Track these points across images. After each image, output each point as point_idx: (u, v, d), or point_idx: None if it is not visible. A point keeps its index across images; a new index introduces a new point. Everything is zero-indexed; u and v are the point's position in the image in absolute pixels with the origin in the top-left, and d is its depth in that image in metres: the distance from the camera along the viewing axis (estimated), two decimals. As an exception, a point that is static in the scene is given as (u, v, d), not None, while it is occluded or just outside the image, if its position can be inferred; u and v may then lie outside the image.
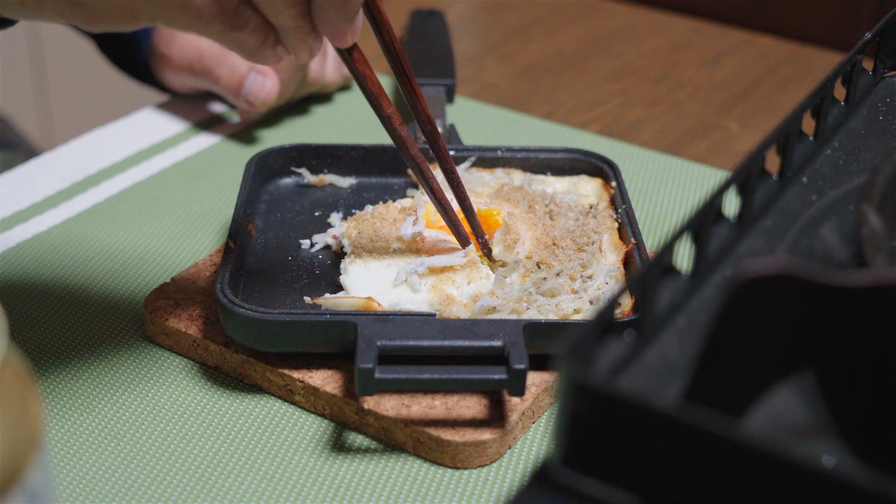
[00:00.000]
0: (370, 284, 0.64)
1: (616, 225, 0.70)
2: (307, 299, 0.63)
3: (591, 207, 0.72)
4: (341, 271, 0.65)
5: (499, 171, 0.76)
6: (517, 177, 0.75)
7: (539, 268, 0.65)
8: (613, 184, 0.73)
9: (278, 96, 0.85)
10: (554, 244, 0.67)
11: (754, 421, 0.38)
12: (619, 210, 0.70)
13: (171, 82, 0.90)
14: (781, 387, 0.39)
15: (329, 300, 0.62)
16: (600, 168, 0.75)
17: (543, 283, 0.63)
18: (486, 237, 0.66)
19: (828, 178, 0.52)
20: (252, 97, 0.84)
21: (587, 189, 0.74)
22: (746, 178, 0.46)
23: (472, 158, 0.76)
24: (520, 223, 0.67)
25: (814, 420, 0.39)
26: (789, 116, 0.49)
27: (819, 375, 0.39)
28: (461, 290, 0.63)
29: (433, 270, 0.64)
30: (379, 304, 0.61)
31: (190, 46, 0.86)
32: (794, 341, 0.39)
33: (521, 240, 0.66)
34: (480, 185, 0.74)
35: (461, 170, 0.75)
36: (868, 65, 0.59)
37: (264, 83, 0.84)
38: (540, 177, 0.76)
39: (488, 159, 0.76)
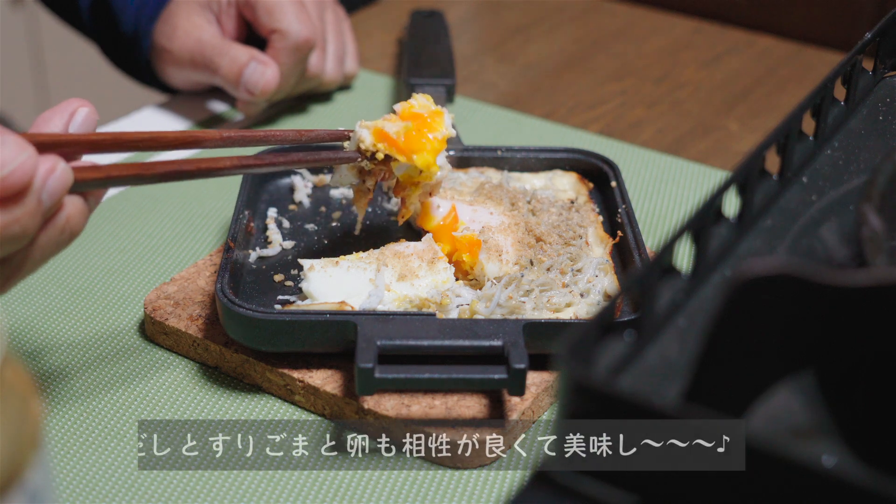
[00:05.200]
0: (334, 290, 0.62)
1: (600, 218, 0.70)
2: (278, 307, 0.62)
3: (571, 202, 0.72)
4: (302, 278, 0.63)
5: (473, 171, 0.76)
6: (492, 175, 0.75)
7: (532, 264, 0.65)
8: (591, 185, 0.73)
9: (278, 88, 0.85)
10: (539, 240, 0.66)
11: (754, 421, 0.38)
12: (620, 210, 0.70)
13: (172, 78, 0.90)
14: (781, 387, 0.39)
15: (301, 308, 0.61)
16: (600, 168, 0.75)
17: (534, 280, 0.62)
18: None
19: (828, 178, 0.52)
20: (251, 86, 0.84)
21: (563, 184, 0.75)
22: (746, 178, 0.46)
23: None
24: (497, 234, 0.67)
25: (814, 420, 0.39)
26: (789, 116, 0.49)
27: (819, 375, 0.39)
28: (425, 280, 0.63)
29: (393, 266, 0.64)
30: (352, 307, 0.61)
31: (191, 39, 0.86)
32: (794, 341, 0.39)
33: (504, 249, 0.66)
34: (458, 184, 0.73)
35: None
36: (868, 65, 0.59)
37: (264, 72, 0.84)
38: (516, 174, 0.76)
39: (461, 159, 0.76)
